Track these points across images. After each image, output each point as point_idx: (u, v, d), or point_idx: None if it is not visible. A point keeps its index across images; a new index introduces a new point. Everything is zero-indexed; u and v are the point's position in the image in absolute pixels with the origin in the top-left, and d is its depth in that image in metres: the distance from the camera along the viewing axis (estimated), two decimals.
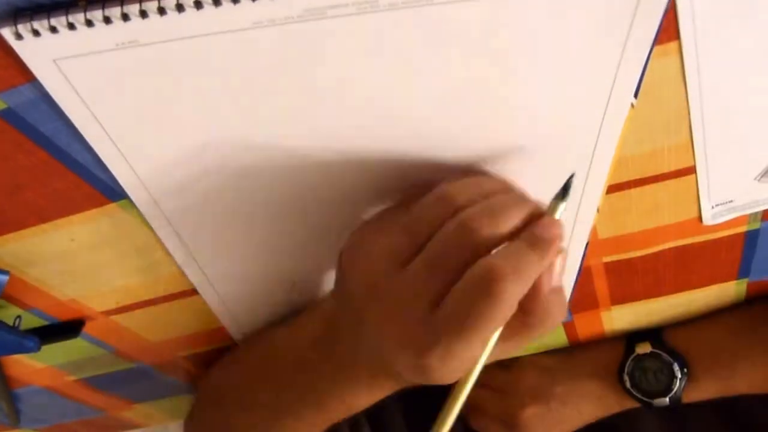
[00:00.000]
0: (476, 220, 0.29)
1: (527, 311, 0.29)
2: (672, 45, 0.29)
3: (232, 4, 0.24)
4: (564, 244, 0.30)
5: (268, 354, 0.43)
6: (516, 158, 0.33)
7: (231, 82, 0.28)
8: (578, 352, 0.50)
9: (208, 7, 0.24)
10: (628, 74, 0.30)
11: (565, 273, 0.30)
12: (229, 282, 0.40)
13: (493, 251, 0.28)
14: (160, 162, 0.31)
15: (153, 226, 0.35)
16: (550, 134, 0.33)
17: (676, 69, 0.31)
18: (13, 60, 0.26)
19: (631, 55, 0.29)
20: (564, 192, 0.31)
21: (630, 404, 0.48)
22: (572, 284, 0.43)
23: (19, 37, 0.24)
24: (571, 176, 0.31)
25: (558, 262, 0.29)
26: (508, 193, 0.31)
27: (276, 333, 0.43)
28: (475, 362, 0.30)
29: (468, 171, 0.33)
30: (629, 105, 0.32)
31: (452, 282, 0.28)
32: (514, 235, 0.29)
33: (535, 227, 0.29)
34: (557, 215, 0.30)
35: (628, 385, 0.47)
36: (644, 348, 0.47)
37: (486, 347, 0.29)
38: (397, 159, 0.33)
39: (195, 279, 0.39)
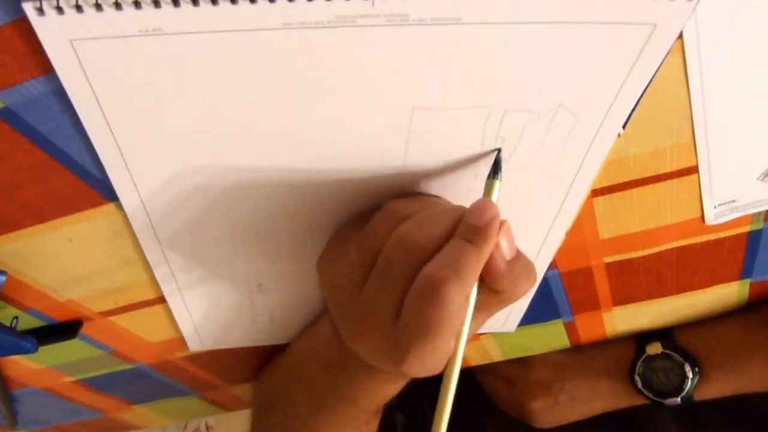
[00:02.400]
0: (411, 228, 0.29)
1: (493, 289, 0.29)
2: (674, 44, 0.29)
3: (268, 3, 0.24)
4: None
5: (299, 357, 0.44)
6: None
7: (248, 82, 0.28)
8: (589, 350, 0.50)
9: (242, 2, 0.24)
10: (622, 107, 0.30)
11: (515, 241, 0.30)
12: (195, 285, 0.40)
13: (436, 256, 0.29)
14: (156, 161, 0.31)
15: (134, 228, 0.35)
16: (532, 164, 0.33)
17: (679, 68, 0.30)
18: (11, 57, 0.26)
19: (629, 90, 0.29)
20: (495, 170, 0.31)
21: (641, 401, 0.49)
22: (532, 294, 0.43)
23: (41, 12, 0.24)
24: (498, 152, 0.31)
25: (505, 236, 0.29)
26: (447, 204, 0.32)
27: (302, 336, 0.44)
28: (455, 349, 0.30)
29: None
30: (616, 135, 0.32)
31: (404, 293, 0.29)
32: (450, 235, 0.29)
33: (468, 217, 0.29)
34: (493, 196, 0.31)
35: (639, 385, 0.48)
36: (655, 348, 0.47)
37: (461, 337, 0.29)
38: (380, 177, 0.33)
39: (165, 284, 0.39)
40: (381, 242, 0.30)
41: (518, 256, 0.30)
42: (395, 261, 0.29)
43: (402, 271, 0.29)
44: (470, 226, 0.28)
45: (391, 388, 0.39)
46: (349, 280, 0.31)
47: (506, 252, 0.29)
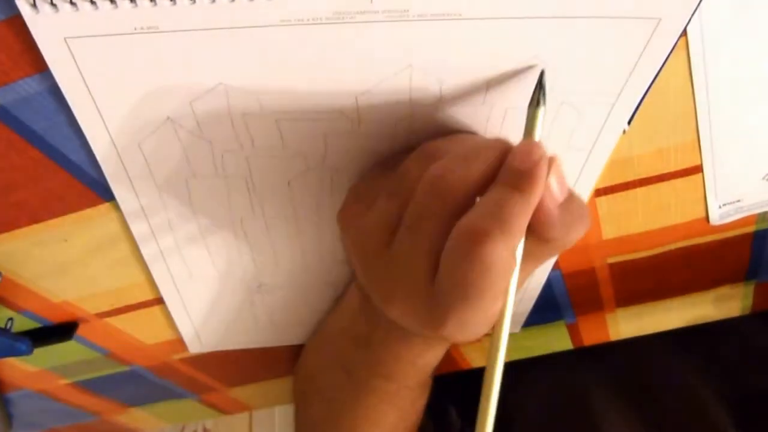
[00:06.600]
0: (444, 170, 0.25)
1: (543, 237, 0.26)
2: (679, 42, 0.28)
3: None
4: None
5: (329, 335, 0.41)
6: None
7: (245, 80, 0.27)
8: None
9: None
10: (626, 105, 0.30)
11: (565, 181, 0.26)
12: (195, 286, 0.39)
13: (477, 200, 0.25)
14: (153, 160, 0.31)
15: (131, 228, 0.34)
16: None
17: (683, 66, 0.30)
18: (5, 55, 0.26)
19: (633, 87, 0.29)
20: (538, 96, 0.26)
21: None
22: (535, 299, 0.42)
23: (34, 7, 0.23)
24: (542, 74, 0.27)
25: (554, 176, 0.25)
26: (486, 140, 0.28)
27: (330, 312, 0.41)
28: (502, 311, 0.26)
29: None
30: (621, 133, 0.32)
31: (440, 246, 0.25)
32: (490, 176, 0.25)
33: (512, 160, 0.25)
34: (536, 127, 0.26)
35: None
36: None
37: (509, 297, 0.26)
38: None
39: (163, 284, 0.38)
40: (412, 188, 0.26)
41: (570, 197, 0.26)
42: (428, 209, 0.25)
43: (436, 220, 0.25)
44: (514, 171, 0.24)
45: (430, 357, 0.34)
46: (376, 234, 0.27)
47: (557, 195, 0.25)
